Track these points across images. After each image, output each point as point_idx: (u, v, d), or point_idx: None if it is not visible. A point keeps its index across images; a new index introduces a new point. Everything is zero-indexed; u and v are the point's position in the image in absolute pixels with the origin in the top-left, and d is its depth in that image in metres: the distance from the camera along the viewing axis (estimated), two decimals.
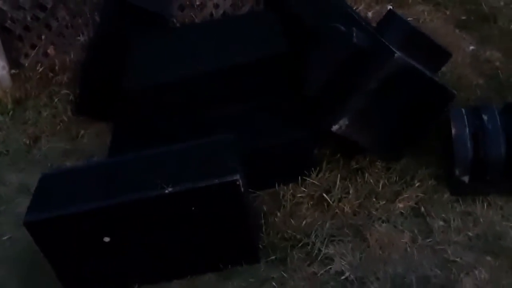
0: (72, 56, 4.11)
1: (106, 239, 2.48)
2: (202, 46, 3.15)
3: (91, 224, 2.45)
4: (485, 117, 2.56)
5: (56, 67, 4.20)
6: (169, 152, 2.59)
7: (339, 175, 2.87)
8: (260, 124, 2.93)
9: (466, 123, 2.56)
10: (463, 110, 2.65)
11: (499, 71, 3.33)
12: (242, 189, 2.40)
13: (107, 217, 2.45)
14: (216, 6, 4.37)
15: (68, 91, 3.91)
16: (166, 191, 2.38)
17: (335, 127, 2.73)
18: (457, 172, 2.60)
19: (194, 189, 2.37)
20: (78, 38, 4.08)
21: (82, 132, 3.76)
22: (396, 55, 2.56)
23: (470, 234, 2.53)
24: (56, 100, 3.94)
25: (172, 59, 3.11)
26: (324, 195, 2.78)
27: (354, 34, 2.57)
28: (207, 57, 3.05)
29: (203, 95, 3.03)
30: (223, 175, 2.38)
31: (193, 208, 2.42)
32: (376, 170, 2.92)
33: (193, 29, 3.45)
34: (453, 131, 2.56)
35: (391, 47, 2.53)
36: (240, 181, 2.36)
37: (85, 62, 3.90)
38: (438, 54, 2.81)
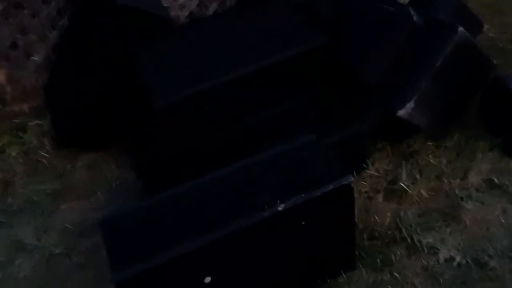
0: (28, 80, 3.49)
1: (207, 280, 2.09)
2: (224, 45, 2.80)
3: (190, 267, 2.05)
4: None
5: (8, 96, 3.54)
6: (253, 165, 2.25)
7: (402, 161, 2.79)
8: (312, 123, 2.72)
9: None
10: None
11: None
12: None
13: (209, 255, 2.06)
14: (182, 7, 4.03)
15: (39, 122, 3.31)
16: (279, 208, 2.07)
17: (401, 112, 2.62)
18: None
19: (309, 200, 2.09)
20: (34, 58, 3.46)
21: (69, 166, 3.20)
22: (459, 29, 2.53)
23: None
24: (23, 135, 3.30)
25: (195, 65, 2.72)
26: (402, 184, 2.63)
27: (412, 13, 2.48)
28: (236, 58, 2.72)
29: (243, 99, 2.71)
30: (335, 179, 2.14)
31: (303, 223, 2.15)
32: (430, 151, 2.88)
33: (204, 27, 3.05)
34: None
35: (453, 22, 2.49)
36: None
37: (53, 82, 3.31)
38: (473, 24, 2.85)
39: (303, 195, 2.07)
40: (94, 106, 3.07)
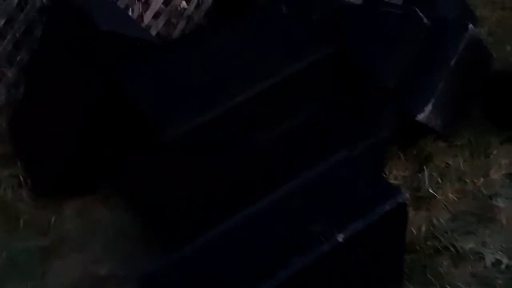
0: None
1: None
2: (224, 63, 2.55)
3: None
4: None
5: None
6: (292, 192, 2.05)
7: (421, 166, 2.69)
8: (329, 135, 2.56)
9: None
10: None
11: None
12: None
13: None
14: (148, 27, 3.75)
15: (12, 171, 2.89)
16: (339, 240, 1.88)
17: (420, 116, 2.53)
18: None
19: (368, 226, 1.92)
20: None
21: (54, 218, 2.83)
22: (469, 27, 2.47)
23: None
24: None
25: (198, 87, 2.46)
26: (428, 189, 2.52)
27: (422, 15, 2.39)
28: (242, 75, 2.51)
29: (256, 119, 2.50)
30: (387, 198, 1.98)
31: (362, 249, 1.97)
32: (444, 152, 2.81)
33: (195, 45, 2.76)
34: None
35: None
36: None
37: (22, 122, 2.91)
38: (470, 17, 2.81)
39: (360, 221, 1.92)
40: (78, 145, 2.77)
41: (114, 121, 2.59)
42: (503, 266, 2.32)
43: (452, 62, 2.49)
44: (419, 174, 2.70)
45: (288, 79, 2.45)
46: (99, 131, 2.67)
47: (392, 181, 2.68)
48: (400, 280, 2.27)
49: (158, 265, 1.93)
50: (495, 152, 2.75)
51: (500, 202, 2.54)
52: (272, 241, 1.92)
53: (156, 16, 3.64)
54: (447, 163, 2.73)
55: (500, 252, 2.36)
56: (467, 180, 2.66)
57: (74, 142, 2.69)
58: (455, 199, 2.58)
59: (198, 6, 3.83)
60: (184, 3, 3.83)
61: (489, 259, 2.34)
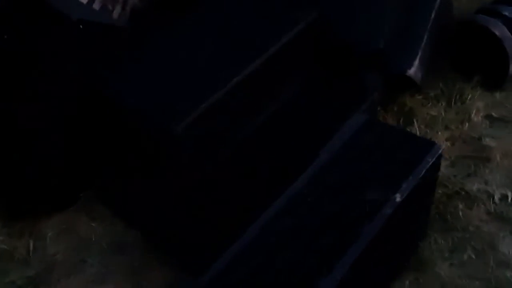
0: None
1: None
2: (211, 42, 2.38)
3: None
4: (506, 13, 2.83)
5: None
6: (328, 168, 1.97)
7: (405, 120, 2.76)
8: (325, 104, 2.51)
9: (499, 24, 2.78)
10: (485, 16, 2.84)
11: None
12: None
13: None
14: None
15: None
16: (398, 200, 1.85)
17: (410, 71, 2.58)
18: None
19: (418, 182, 1.91)
20: None
21: (35, 242, 2.49)
22: None
23: None
24: None
25: (192, 71, 2.28)
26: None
27: None
28: (234, 53, 2.35)
29: (255, 98, 2.37)
30: (427, 152, 1.98)
31: (413, 207, 1.97)
32: (422, 104, 2.91)
33: (174, 28, 2.52)
34: (497, 33, 2.74)
35: None
36: None
37: None
38: None
39: (410, 178, 1.92)
40: (55, 156, 2.45)
41: (100, 123, 2.33)
42: (509, 200, 2.51)
43: (433, 15, 2.58)
44: (408, 128, 2.82)
45: (278, 53, 2.38)
46: (77, 137, 2.41)
47: None
48: (425, 231, 2.36)
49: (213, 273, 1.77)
50: (469, 97, 2.93)
51: (490, 142, 2.72)
52: (330, 219, 1.87)
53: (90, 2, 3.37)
54: (431, 114, 2.87)
55: (504, 187, 2.54)
56: (453, 127, 2.81)
57: (50, 152, 2.40)
58: (449, 145, 2.73)
59: None
60: None
61: (496, 196, 2.52)
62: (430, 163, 1.95)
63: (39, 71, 2.19)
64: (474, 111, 2.85)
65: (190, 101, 2.19)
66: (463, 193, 2.50)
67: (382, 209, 1.82)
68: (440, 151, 2.00)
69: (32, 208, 2.51)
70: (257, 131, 2.31)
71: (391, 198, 1.85)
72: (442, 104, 2.90)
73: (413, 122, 2.83)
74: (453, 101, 2.92)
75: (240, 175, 2.17)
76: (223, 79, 2.27)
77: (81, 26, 2.20)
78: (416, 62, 2.56)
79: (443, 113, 2.85)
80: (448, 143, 2.70)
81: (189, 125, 2.12)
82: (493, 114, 2.85)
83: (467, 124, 2.79)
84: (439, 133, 2.75)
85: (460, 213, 2.42)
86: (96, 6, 3.37)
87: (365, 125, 2.14)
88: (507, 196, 2.49)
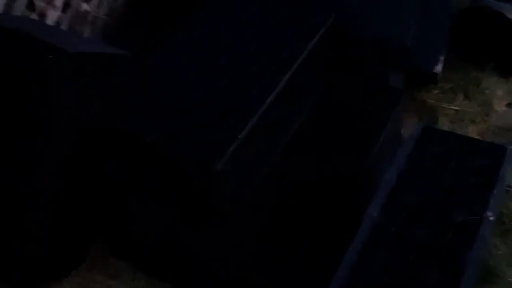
0: None
1: None
2: (228, 57, 2.09)
3: None
4: None
5: None
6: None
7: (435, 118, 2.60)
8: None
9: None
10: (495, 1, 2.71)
11: None
12: None
13: None
14: None
15: None
16: (491, 218, 1.65)
17: (437, 68, 2.40)
18: None
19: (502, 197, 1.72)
20: None
21: None
22: None
23: None
24: None
25: (215, 101, 1.97)
26: None
27: None
28: (259, 75, 2.06)
29: (287, 110, 2.09)
30: (499, 158, 1.80)
31: None
32: (440, 99, 2.75)
33: (183, 44, 2.17)
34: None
35: None
36: None
37: None
38: None
39: (495, 191, 1.73)
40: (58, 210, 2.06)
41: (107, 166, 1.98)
42: None
43: (452, 9, 2.42)
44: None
45: (302, 66, 2.12)
46: (94, 185, 2.03)
47: None
48: None
49: None
50: (486, 86, 2.83)
51: None
52: (425, 250, 1.63)
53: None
54: (453, 109, 2.73)
55: None
56: (478, 119, 2.68)
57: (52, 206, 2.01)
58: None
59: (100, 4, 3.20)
60: (85, 5, 3.15)
61: None
62: (508, 170, 1.79)
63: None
64: (496, 101, 2.76)
65: (222, 131, 1.90)
66: None
67: (478, 232, 1.64)
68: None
69: (40, 277, 2.13)
70: (292, 147, 2.07)
71: (483, 217, 1.68)
72: (461, 97, 2.80)
73: (437, 120, 2.70)
74: (470, 92, 2.82)
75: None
76: (253, 102, 1.99)
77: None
78: (442, 58, 2.41)
79: (465, 107, 2.75)
80: (479, 138, 2.60)
81: (229, 159, 1.84)
82: None
83: (492, 115, 2.70)
84: (469, 128, 2.63)
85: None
86: (64, 27, 3.00)
87: (424, 134, 1.95)
88: None
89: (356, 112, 2.30)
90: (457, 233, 1.64)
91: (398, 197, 1.76)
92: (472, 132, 2.60)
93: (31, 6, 2.51)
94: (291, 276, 1.84)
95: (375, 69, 2.43)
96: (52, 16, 2.83)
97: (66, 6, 2.89)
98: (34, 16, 2.73)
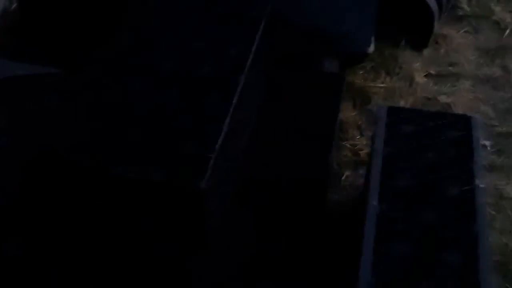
0: None
1: None
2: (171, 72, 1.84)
3: None
4: None
5: None
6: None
7: None
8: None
9: None
10: None
11: None
12: None
13: None
14: None
15: None
16: (481, 186, 1.67)
17: (370, 49, 2.41)
18: None
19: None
20: None
21: None
22: None
23: None
24: None
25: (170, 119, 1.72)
26: None
27: None
28: (213, 82, 1.85)
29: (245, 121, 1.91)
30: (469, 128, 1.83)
31: None
32: (367, 78, 2.78)
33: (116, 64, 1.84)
34: None
35: None
36: None
37: None
38: None
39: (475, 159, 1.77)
40: None
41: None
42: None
43: None
44: (367, 107, 2.69)
45: (252, 65, 1.96)
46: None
47: None
48: None
49: None
50: (403, 61, 2.91)
51: (445, 99, 2.73)
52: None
53: None
54: (381, 87, 2.77)
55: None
56: (405, 94, 2.75)
57: None
58: None
59: None
60: None
61: None
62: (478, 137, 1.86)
63: None
64: (415, 74, 2.88)
65: (194, 146, 1.70)
66: None
67: (477, 201, 1.67)
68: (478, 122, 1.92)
69: None
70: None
71: (475, 186, 1.72)
72: (383, 75, 2.87)
73: (370, 100, 2.75)
74: (390, 69, 2.89)
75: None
76: (218, 108, 1.81)
77: None
78: (373, 38, 2.44)
79: (390, 83, 2.82)
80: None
81: (210, 176, 1.65)
82: (431, 72, 2.93)
83: (417, 87, 2.82)
84: (400, 102, 2.71)
85: None
86: None
87: (390, 115, 1.94)
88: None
89: (305, 105, 2.25)
90: (458, 208, 1.68)
91: (391, 182, 1.75)
92: (405, 105, 2.71)
93: None
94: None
95: (312, 58, 2.40)
96: None
97: None
98: None
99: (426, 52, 2.97)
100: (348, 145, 2.56)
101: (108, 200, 1.64)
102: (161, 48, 2.01)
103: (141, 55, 1.98)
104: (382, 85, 2.79)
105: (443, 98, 2.75)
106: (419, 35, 2.94)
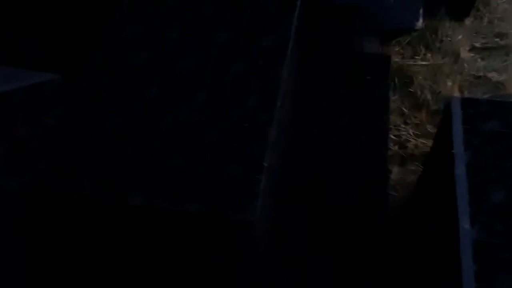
0: None
1: None
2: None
3: None
4: None
5: None
6: None
7: None
8: None
9: None
10: None
11: None
12: None
13: None
14: None
15: None
16: None
17: (419, 23, 2.03)
18: None
19: None
20: None
21: None
22: None
23: None
24: None
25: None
26: None
27: None
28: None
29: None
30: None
31: None
32: (405, 56, 2.42)
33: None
34: None
35: None
36: None
37: None
38: None
39: None
40: None
41: None
42: None
43: None
44: (409, 89, 2.33)
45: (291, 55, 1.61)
46: None
47: None
48: None
49: None
50: (444, 33, 2.53)
51: (496, 76, 2.39)
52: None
53: None
54: (422, 64, 2.40)
55: None
56: (451, 72, 2.42)
57: None
58: (467, 94, 2.34)
59: None
60: None
61: None
62: None
63: None
64: (459, 48, 2.52)
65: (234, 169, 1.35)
66: None
67: None
68: None
69: None
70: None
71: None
72: (422, 50, 2.50)
73: (412, 80, 2.39)
74: (430, 43, 2.52)
75: None
76: (259, 122, 1.44)
77: None
78: (421, 12, 2.08)
79: (432, 60, 2.46)
80: (465, 91, 2.35)
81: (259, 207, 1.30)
82: (476, 45, 2.58)
83: (464, 64, 2.46)
84: (447, 83, 2.37)
85: None
86: None
87: (467, 108, 1.61)
88: None
89: (350, 100, 1.88)
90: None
91: (481, 197, 1.43)
92: (452, 88, 2.36)
93: None
94: None
95: (351, 38, 2.03)
96: None
97: None
98: None
99: (467, 21, 2.63)
100: (393, 136, 2.23)
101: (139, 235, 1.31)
102: (184, 44, 1.62)
103: (156, 54, 1.59)
104: (423, 62, 2.44)
105: (494, 76, 2.41)
106: (460, 2, 2.59)
